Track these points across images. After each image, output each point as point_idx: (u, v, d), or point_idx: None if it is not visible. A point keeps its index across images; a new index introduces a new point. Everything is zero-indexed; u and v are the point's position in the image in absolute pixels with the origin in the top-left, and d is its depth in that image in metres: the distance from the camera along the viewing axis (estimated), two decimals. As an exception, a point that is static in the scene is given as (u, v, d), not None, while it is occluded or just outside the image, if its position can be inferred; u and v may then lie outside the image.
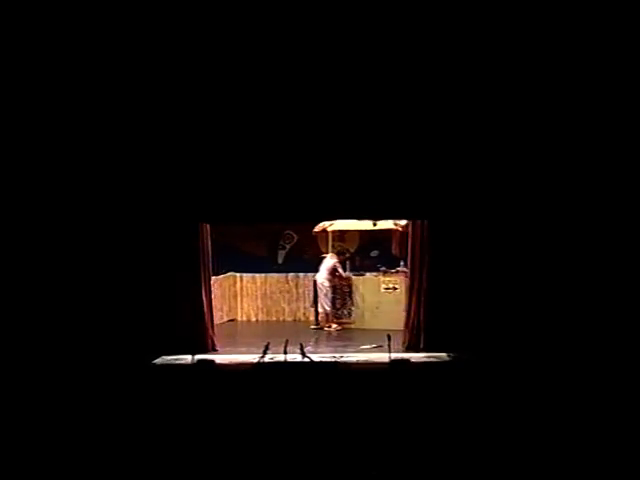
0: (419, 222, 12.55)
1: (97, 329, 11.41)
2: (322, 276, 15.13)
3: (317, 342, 13.44)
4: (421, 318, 12.32)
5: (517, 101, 11.01)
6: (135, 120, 11.38)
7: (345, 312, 15.20)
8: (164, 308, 12.10)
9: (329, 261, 15.22)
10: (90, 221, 11.63)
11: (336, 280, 15.17)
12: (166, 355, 11.71)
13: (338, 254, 15.67)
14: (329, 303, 15.05)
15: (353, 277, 15.42)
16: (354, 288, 15.20)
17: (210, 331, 12.79)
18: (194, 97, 11.26)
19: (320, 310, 15.22)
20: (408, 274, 12.91)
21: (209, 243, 13.15)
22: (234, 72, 11.03)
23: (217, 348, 12.59)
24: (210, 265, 13.25)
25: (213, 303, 13.62)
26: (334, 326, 14.99)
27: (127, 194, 11.73)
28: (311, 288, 15.88)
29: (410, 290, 12.69)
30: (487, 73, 10.90)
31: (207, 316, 12.77)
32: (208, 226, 13.08)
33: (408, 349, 12.18)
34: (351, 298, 15.19)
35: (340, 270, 15.19)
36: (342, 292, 15.19)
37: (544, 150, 11.16)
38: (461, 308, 11.75)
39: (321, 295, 15.14)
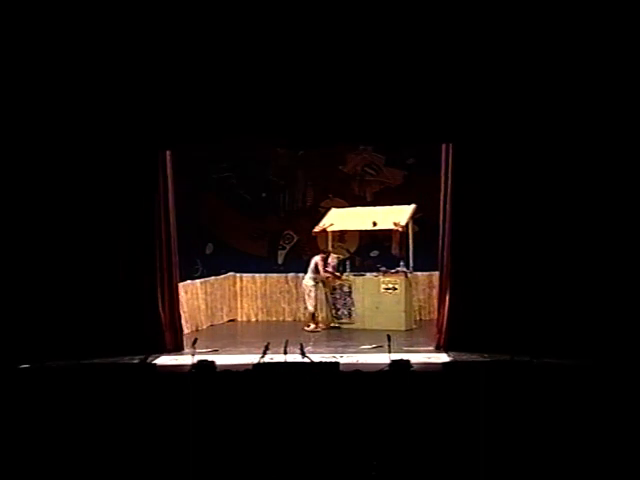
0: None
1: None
2: (307, 276, 15.10)
3: (316, 342, 13.39)
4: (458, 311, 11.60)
5: (551, 19, 10.54)
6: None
7: (345, 312, 15.15)
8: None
9: (313, 259, 15.15)
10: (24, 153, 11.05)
11: (319, 278, 15.02)
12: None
13: (322, 252, 15.40)
14: (312, 303, 14.97)
15: (330, 278, 15.07)
16: (354, 288, 15.15)
17: (163, 324, 11.60)
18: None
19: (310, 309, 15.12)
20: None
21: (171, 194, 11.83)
22: None
23: (184, 347, 11.46)
24: (174, 232, 12.05)
25: (209, 300, 12.95)
26: (312, 326, 14.84)
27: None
28: (311, 288, 15.83)
29: (440, 271, 12.24)
30: None
31: (165, 308, 11.68)
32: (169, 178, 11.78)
33: (440, 349, 11.89)
34: (351, 298, 15.14)
35: (320, 268, 14.91)
36: (342, 292, 15.14)
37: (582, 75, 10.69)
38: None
39: (305, 295, 15.15)
